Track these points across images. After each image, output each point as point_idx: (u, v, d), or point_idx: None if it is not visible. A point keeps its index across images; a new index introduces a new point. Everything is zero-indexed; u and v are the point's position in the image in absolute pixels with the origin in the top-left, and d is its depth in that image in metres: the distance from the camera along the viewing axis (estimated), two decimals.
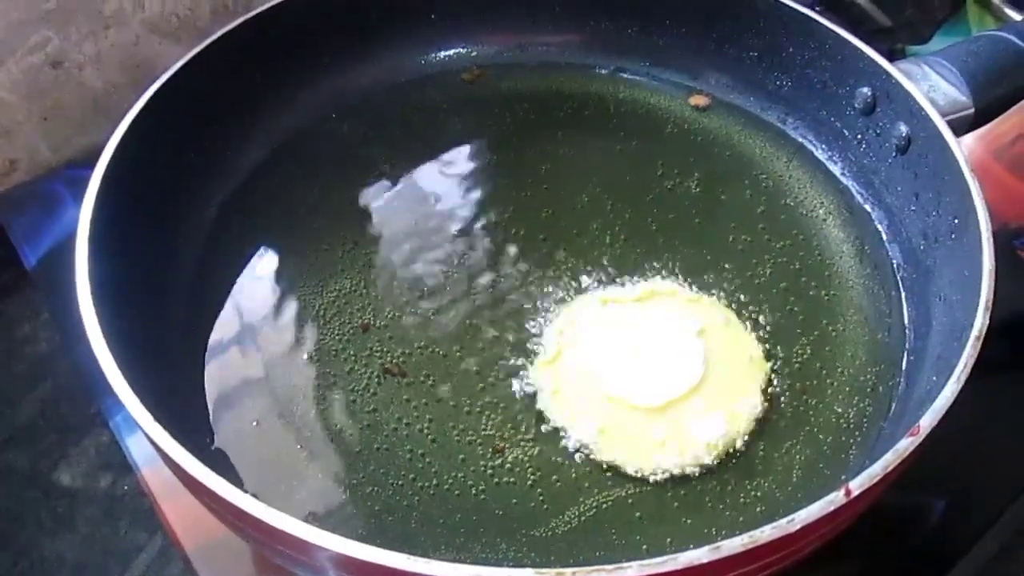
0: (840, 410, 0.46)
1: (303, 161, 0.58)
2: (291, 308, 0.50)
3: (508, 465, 0.44)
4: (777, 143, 0.60)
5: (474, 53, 0.64)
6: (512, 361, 0.47)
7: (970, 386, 0.37)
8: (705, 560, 0.31)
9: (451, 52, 0.64)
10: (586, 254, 0.52)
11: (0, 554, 0.55)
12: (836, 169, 0.58)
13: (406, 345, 0.48)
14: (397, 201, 0.56)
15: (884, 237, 0.54)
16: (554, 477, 0.43)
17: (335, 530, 0.32)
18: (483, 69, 0.64)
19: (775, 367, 0.47)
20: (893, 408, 0.46)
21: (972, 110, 0.53)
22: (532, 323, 0.49)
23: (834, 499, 0.33)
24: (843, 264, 0.53)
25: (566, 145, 0.59)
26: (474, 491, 0.43)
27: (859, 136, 0.56)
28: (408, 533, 0.41)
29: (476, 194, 0.56)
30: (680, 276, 0.51)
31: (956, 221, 0.46)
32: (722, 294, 0.51)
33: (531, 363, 0.47)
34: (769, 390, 0.47)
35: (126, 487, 0.57)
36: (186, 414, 0.45)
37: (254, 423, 0.45)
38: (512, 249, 0.53)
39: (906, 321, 0.50)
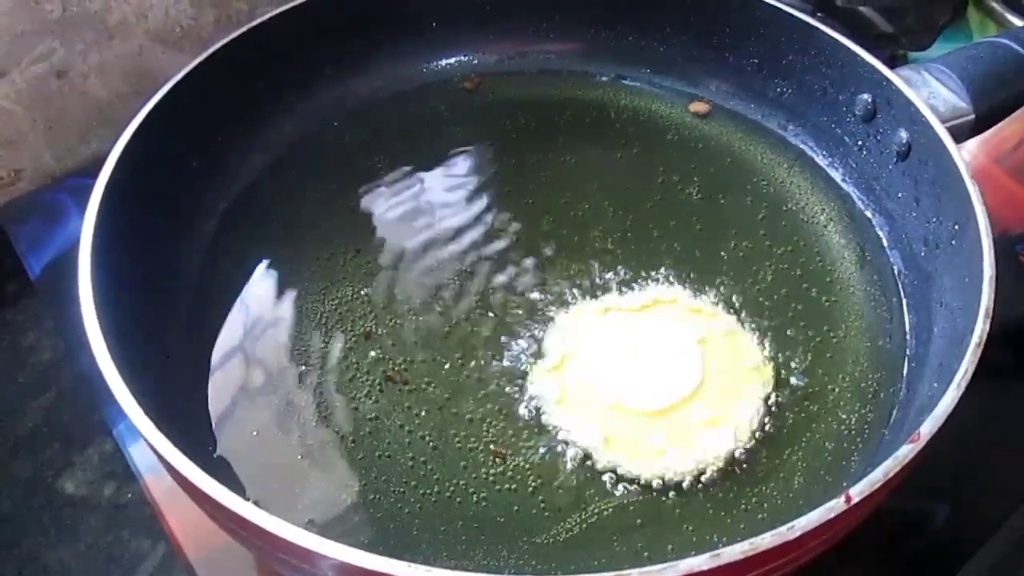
0: (841, 417, 0.46)
1: (305, 169, 0.58)
2: (293, 316, 0.50)
3: (509, 472, 0.44)
4: (778, 150, 0.60)
5: (475, 61, 0.65)
6: (514, 368, 0.48)
7: (971, 392, 0.37)
8: (706, 567, 0.31)
9: (452, 60, 0.64)
10: (587, 261, 0.53)
11: (5, 562, 0.55)
12: (837, 175, 0.58)
13: (408, 353, 0.48)
14: (399, 209, 0.56)
15: (885, 243, 0.54)
16: (555, 484, 0.43)
17: (337, 538, 0.32)
18: (484, 77, 0.64)
19: (776, 374, 0.47)
20: (894, 415, 0.46)
21: (972, 116, 0.53)
22: (534, 330, 0.49)
23: (834, 506, 0.33)
24: (844, 270, 0.53)
25: (567, 153, 0.59)
26: (475, 498, 0.43)
27: (860, 142, 0.56)
28: (410, 540, 0.41)
29: (477, 202, 0.57)
30: (681, 283, 0.51)
31: (957, 227, 0.46)
32: (723, 301, 0.51)
33: (533, 370, 0.47)
34: (770, 397, 0.47)
35: (129, 495, 0.57)
36: (188, 422, 0.45)
37: (256, 431, 0.45)
38: (514, 257, 0.53)
39: (907, 327, 0.50)
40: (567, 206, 0.56)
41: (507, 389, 0.47)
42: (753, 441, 0.45)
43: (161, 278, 0.49)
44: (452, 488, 0.43)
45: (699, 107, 0.62)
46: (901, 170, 0.52)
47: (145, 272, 0.47)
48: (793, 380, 0.47)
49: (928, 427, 0.36)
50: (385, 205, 0.56)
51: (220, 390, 0.47)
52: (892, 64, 0.53)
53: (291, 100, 0.59)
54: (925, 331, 0.48)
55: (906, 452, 0.35)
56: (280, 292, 0.51)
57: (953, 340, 0.43)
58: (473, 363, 0.48)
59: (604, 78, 0.64)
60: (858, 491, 0.34)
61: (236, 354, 0.49)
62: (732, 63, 0.61)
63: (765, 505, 0.43)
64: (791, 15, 0.57)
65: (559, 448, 0.44)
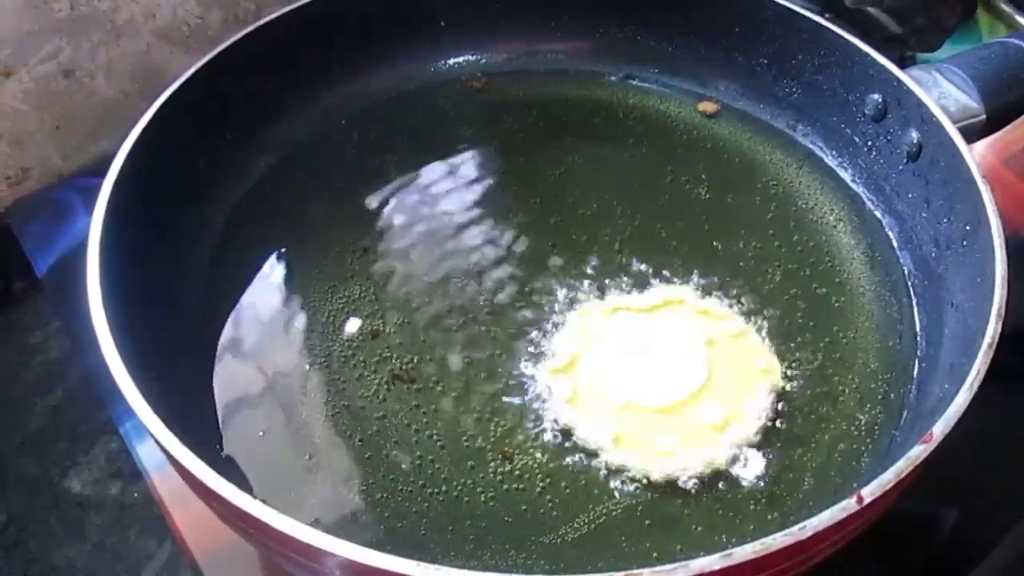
0: (851, 417, 0.46)
1: (313, 168, 0.58)
2: (301, 315, 0.50)
3: (517, 472, 0.43)
4: (787, 150, 0.60)
5: (483, 60, 0.65)
6: (522, 368, 0.47)
7: (982, 393, 0.37)
8: (716, 567, 0.31)
9: (460, 59, 0.64)
10: (595, 260, 0.52)
11: (11, 561, 0.55)
12: (846, 176, 0.58)
13: (415, 351, 0.48)
14: (406, 208, 0.56)
15: (895, 244, 0.54)
16: (563, 484, 0.43)
17: (344, 536, 0.32)
18: (492, 76, 0.64)
19: (786, 374, 0.47)
20: (905, 415, 0.46)
21: (983, 117, 0.53)
22: (542, 330, 0.49)
23: (846, 506, 0.33)
24: (854, 271, 0.53)
25: (575, 152, 0.59)
26: (483, 497, 0.43)
27: (870, 143, 0.56)
28: (417, 540, 0.41)
29: (485, 201, 0.56)
30: (690, 282, 0.51)
31: (968, 228, 0.46)
32: (732, 301, 0.50)
33: (541, 370, 0.47)
34: (779, 397, 0.46)
35: (136, 495, 0.57)
36: (196, 421, 0.45)
37: (263, 429, 0.45)
38: (522, 256, 0.53)
39: (918, 328, 0.50)
40: (575, 205, 0.56)
41: (515, 388, 0.47)
42: (762, 441, 0.44)
43: (168, 277, 0.49)
44: (460, 487, 0.43)
45: (708, 107, 0.62)
46: (911, 170, 0.52)
47: (152, 271, 0.47)
48: (803, 381, 0.47)
49: (940, 428, 0.36)
50: (393, 204, 0.56)
51: (227, 389, 0.47)
52: (901, 65, 0.53)
53: (298, 99, 0.59)
54: (935, 332, 0.48)
55: (918, 452, 0.35)
56: (287, 291, 0.51)
57: (964, 341, 0.42)
58: (481, 362, 0.48)
59: (613, 77, 0.64)
60: (870, 491, 0.33)
61: (243, 353, 0.49)
62: (741, 63, 0.61)
63: (775, 506, 0.42)
64: (801, 15, 0.57)
65: (568, 448, 0.44)
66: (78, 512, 0.57)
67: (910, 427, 0.45)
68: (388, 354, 0.48)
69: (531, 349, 0.48)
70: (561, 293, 0.51)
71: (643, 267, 0.52)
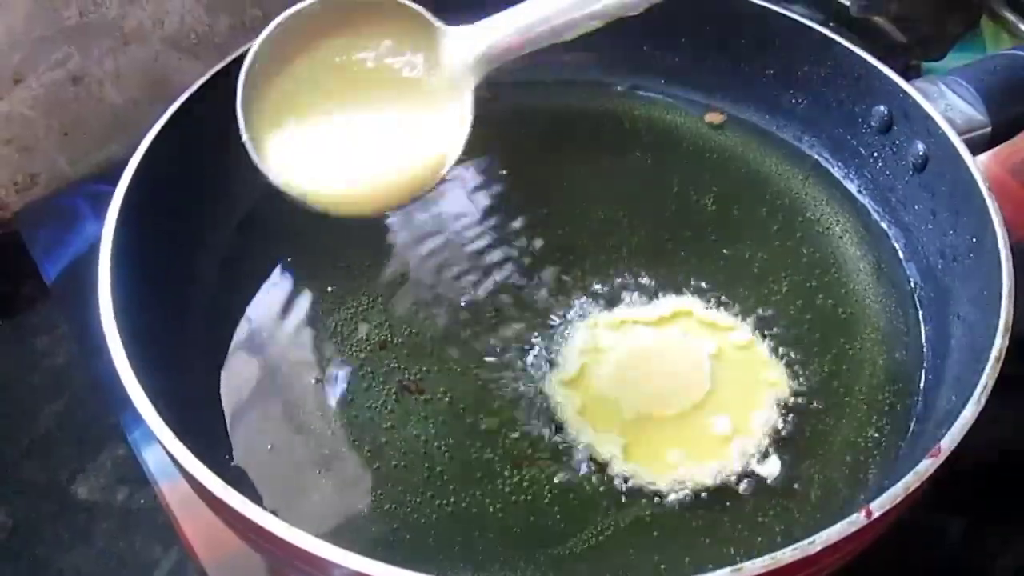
0: (858, 429, 0.46)
1: None
2: (309, 325, 0.50)
3: (526, 483, 0.44)
4: (793, 161, 0.60)
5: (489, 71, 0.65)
6: (530, 379, 0.47)
7: (989, 403, 0.37)
8: None
9: None
10: (602, 271, 0.52)
11: (17, 566, 0.55)
12: (852, 187, 0.58)
13: (423, 362, 0.48)
14: (414, 219, 0.56)
15: (901, 256, 0.54)
16: (571, 495, 0.43)
17: (353, 548, 0.32)
18: (499, 86, 0.64)
19: (792, 386, 0.47)
20: (911, 427, 0.46)
21: (989, 128, 0.53)
22: (550, 341, 0.49)
23: (855, 520, 0.33)
24: (860, 282, 0.53)
25: (582, 162, 0.59)
26: (491, 509, 0.43)
27: (875, 154, 0.56)
28: (426, 551, 0.41)
29: (492, 211, 0.57)
30: (696, 293, 0.51)
31: (974, 240, 0.46)
32: (738, 312, 0.51)
33: (549, 380, 0.47)
34: (786, 409, 0.46)
35: (142, 501, 0.57)
36: (205, 430, 0.45)
37: (272, 440, 0.45)
38: (528, 267, 0.53)
39: (924, 340, 0.50)
40: (581, 216, 0.56)
41: (523, 399, 0.47)
42: (769, 453, 0.45)
43: (178, 285, 0.49)
44: (468, 499, 0.43)
45: (714, 117, 0.62)
46: (917, 182, 0.52)
47: (162, 279, 0.48)
48: (809, 392, 0.47)
49: (948, 442, 0.36)
50: (401, 215, 0.56)
51: (236, 398, 0.47)
52: (906, 75, 0.53)
53: None
54: (942, 344, 0.48)
55: (927, 466, 0.35)
56: (295, 300, 0.51)
57: (971, 353, 0.43)
58: (489, 373, 0.48)
59: (619, 88, 0.64)
60: (879, 505, 0.34)
61: (251, 362, 0.49)
62: (747, 74, 0.61)
63: (783, 518, 0.42)
64: (807, 26, 0.57)
65: (576, 459, 0.44)
66: (84, 518, 0.57)
67: (917, 438, 0.45)
68: (396, 364, 0.48)
69: (539, 360, 0.48)
70: (568, 304, 0.51)
71: (650, 278, 0.52)
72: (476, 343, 0.49)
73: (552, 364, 0.48)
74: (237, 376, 0.48)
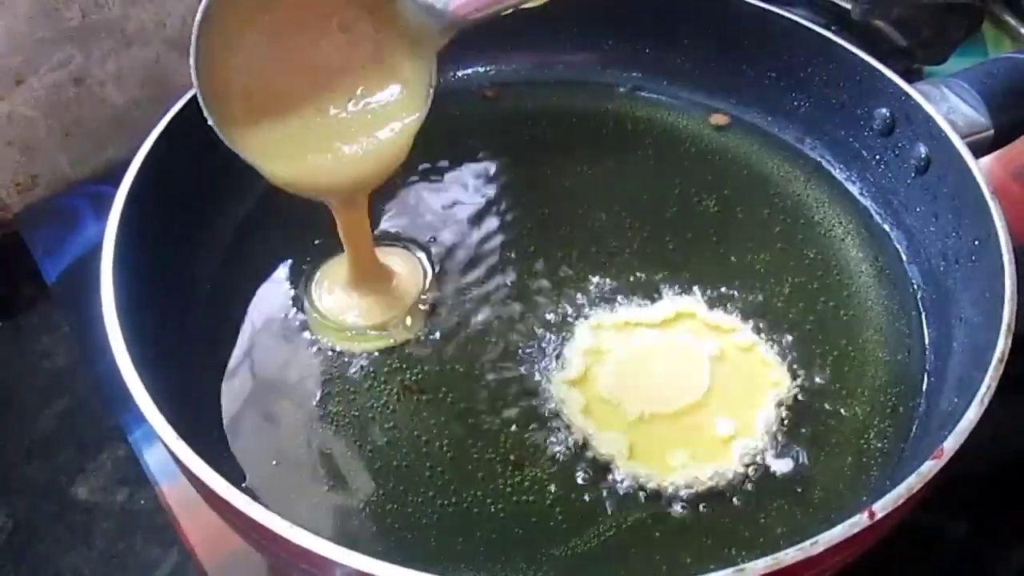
0: (860, 431, 0.46)
1: None
2: (310, 326, 0.50)
3: (528, 483, 0.43)
4: (795, 162, 0.60)
5: (492, 71, 0.65)
6: (531, 379, 0.47)
7: (992, 405, 0.37)
8: None
9: (469, 70, 0.65)
10: (604, 272, 0.52)
11: (17, 568, 0.55)
12: (854, 189, 0.58)
13: (425, 362, 0.48)
14: (414, 219, 0.56)
15: (903, 258, 0.54)
16: (573, 496, 0.43)
17: (354, 547, 0.32)
18: (502, 87, 0.64)
19: (794, 387, 0.47)
20: (914, 429, 0.46)
21: (991, 131, 0.53)
22: (551, 341, 0.49)
23: (858, 521, 0.33)
24: (862, 284, 0.53)
25: (584, 163, 0.59)
26: (493, 509, 0.43)
27: (878, 156, 0.56)
28: (428, 551, 0.41)
29: (494, 212, 0.57)
30: (698, 295, 0.51)
31: (976, 242, 0.46)
32: (740, 313, 0.51)
33: (550, 381, 0.47)
34: (788, 410, 0.46)
35: (143, 502, 0.57)
36: (206, 430, 0.45)
37: (272, 440, 0.45)
38: (530, 267, 0.53)
39: (926, 342, 0.50)
40: (584, 217, 0.56)
41: (524, 400, 0.47)
42: (772, 455, 0.45)
43: (179, 285, 0.49)
44: (470, 499, 0.43)
45: (717, 119, 0.62)
46: (919, 185, 0.52)
47: (163, 279, 0.48)
48: (812, 394, 0.47)
49: (951, 443, 0.36)
50: (401, 215, 0.56)
51: (236, 397, 0.47)
52: (908, 79, 0.53)
53: None
54: (944, 345, 0.48)
55: (930, 468, 0.35)
56: (296, 301, 0.51)
57: (973, 355, 0.43)
58: (491, 374, 0.48)
59: (622, 89, 0.64)
60: (881, 506, 0.34)
61: (252, 361, 0.49)
62: (750, 76, 0.61)
63: (785, 518, 0.42)
64: (809, 29, 0.57)
65: (578, 459, 0.44)
66: (85, 519, 0.57)
67: (919, 440, 0.45)
68: (398, 365, 0.48)
69: (542, 361, 0.48)
70: (569, 304, 0.51)
71: (652, 279, 0.52)
72: (477, 343, 0.49)
73: (556, 365, 0.48)
74: (237, 375, 0.48)
